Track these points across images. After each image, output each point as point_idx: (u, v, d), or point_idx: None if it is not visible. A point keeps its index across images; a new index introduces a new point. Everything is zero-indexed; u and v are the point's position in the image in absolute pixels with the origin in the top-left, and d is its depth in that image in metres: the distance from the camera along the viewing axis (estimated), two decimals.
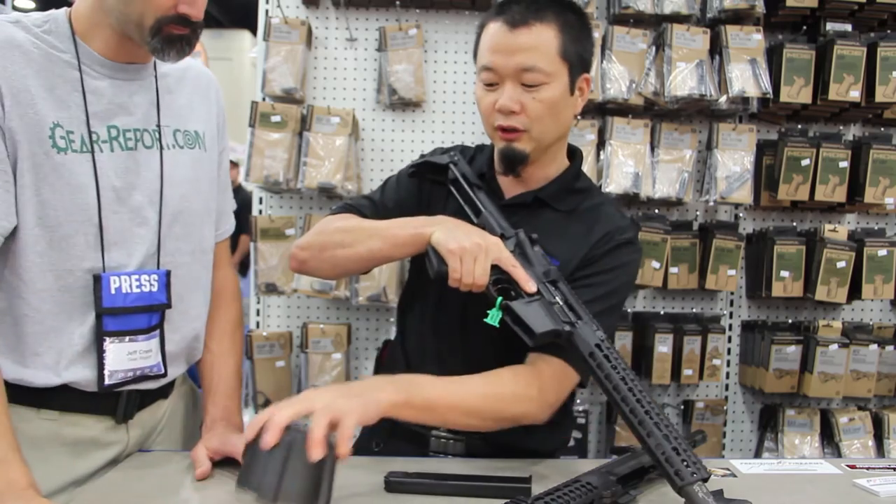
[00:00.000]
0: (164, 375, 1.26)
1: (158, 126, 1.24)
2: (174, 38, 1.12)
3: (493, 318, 1.13)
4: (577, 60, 1.27)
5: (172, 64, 1.21)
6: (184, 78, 1.32)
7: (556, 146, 1.33)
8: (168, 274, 1.24)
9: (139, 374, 1.21)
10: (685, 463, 0.96)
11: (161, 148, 1.24)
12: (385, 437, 1.37)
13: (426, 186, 1.39)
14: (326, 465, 0.91)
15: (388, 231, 1.25)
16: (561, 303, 1.12)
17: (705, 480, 0.96)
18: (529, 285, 1.12)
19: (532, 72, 1.22)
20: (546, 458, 1.33)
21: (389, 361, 1.48)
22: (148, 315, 1.22)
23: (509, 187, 1.36)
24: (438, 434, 1.33)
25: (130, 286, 1.19)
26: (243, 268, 6.60)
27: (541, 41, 1.22)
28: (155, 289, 1.22)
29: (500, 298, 1.13)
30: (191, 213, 1.28)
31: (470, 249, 1.12)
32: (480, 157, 1.42)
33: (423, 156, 1.41)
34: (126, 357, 1.19)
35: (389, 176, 1.46)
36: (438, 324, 1.34)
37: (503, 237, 1.20)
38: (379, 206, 1.39)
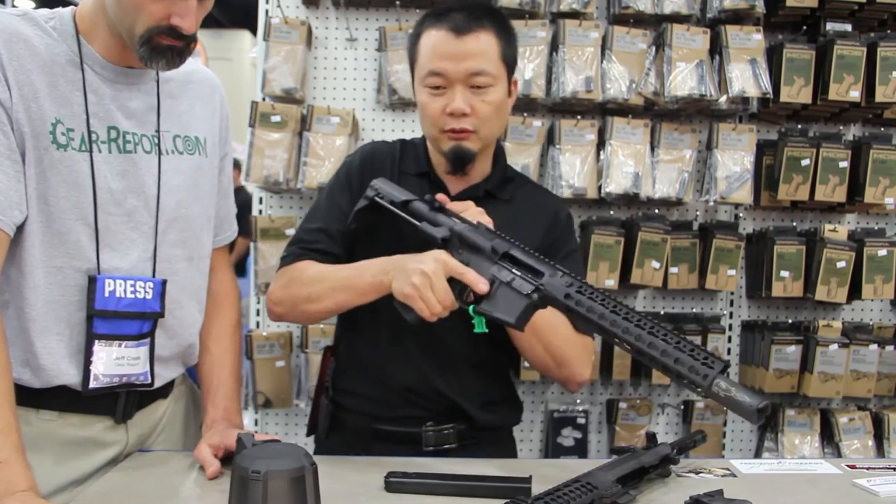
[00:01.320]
0: (151, 385, 1.25)
1: (158, 131, 1.24)
2: (163, 48, 1.12)
3: (480, 325, 1.18)
4: (512, 63, 1.38)
5: (171, 70, 1.20)
6: (187, 83, 1.31)
7: (492, 143, 1.42)
8: (164, 283, 1.23)
9: (125, 380, 1.20)
10: (698, 360, 0.94)
11: (160, 153, 1.23)
12: (366, 444, 1.37)
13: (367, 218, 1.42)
14: (307, 486, 0.89)
15: (349, 281, 1.30)
16: (519, 274, 1.14)
17: (725, 370, 0.93)
18: (480, 286, 1.15)
19: (481, 75, 1.30)
20: (509, 431, 1.50)
21: (349, 370, 1.46)
22: (140, 322, 1.21)
23: (453, 183, 1.42)
24: (428, 427, 1.36)
25: (125, 291, 1.18)
26: (240, 269, 6.58)
27: (486, 46, 1.31)
28: (149, 296, 1.21)
29: (471, 307, 1.17)
30: (188, 219, 1.28)
31: (420, 284, 1.14)
32: (409, 154, 1.46)
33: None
34: (114, 362, 1.18)
35: (318, 198, 1.49)
36: (403, 337, 1.36)
37: (445, 241, 1.23)
38: (335, 235, 1.41)
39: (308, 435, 1.54)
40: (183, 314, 1.29)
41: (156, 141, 1.23)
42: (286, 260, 1.42)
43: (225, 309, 1.43)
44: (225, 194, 1.42)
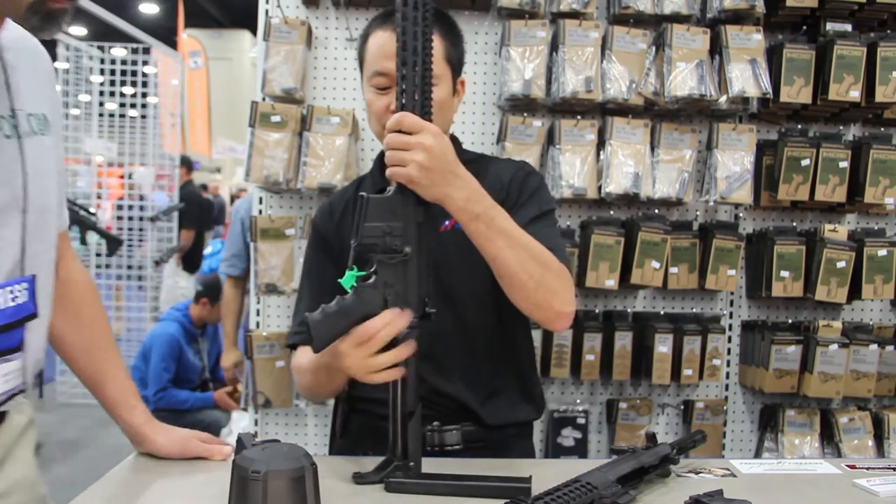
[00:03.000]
0: (24, 391, 1.11)
1: (13, 111, 1.07)
2: (55, 13, 0.99)
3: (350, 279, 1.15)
4: (457, 64, 1.40)
5: (7, 36, 1.07)
6: (22, 50, 1.12)
7: None
8: (34, 279, 1.08)
9: (8, 395, 1.07)
10: None
11: (19, 137, 1.07)
12: (372, 444, 1.37)
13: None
14: (307, 486, 0.89)
15: (315, 376, 1.35)
16: None
17: None
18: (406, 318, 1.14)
19: None
20: (528, 427, 1.47)
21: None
22: (21, 329, 1.06)
23: None
24: (433, 427, 1.35)
25: (6, 301, 1.03)
26: (191, 263, 6.59)
27: None
28: (25, 298, 1.06)
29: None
30: (47, 209, 1.13)
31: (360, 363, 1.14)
32: (367, 181, 1.51)
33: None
34: (2, 380, 1.04)
35: (303, 269, 1.53)
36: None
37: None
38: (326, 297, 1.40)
39: (331, 452, 1.53)
40: (46, 312, 1.15)
41: (13, 122, 1.07)
42: (291, 339, 1.48)
43: (90, 300, 1.29)
44: (62, 175, 1.23)
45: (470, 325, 1.37)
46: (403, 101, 1.12)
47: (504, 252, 1.20)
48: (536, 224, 1.34)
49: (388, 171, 1.13)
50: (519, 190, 1.41)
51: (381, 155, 1.48)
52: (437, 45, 1.33)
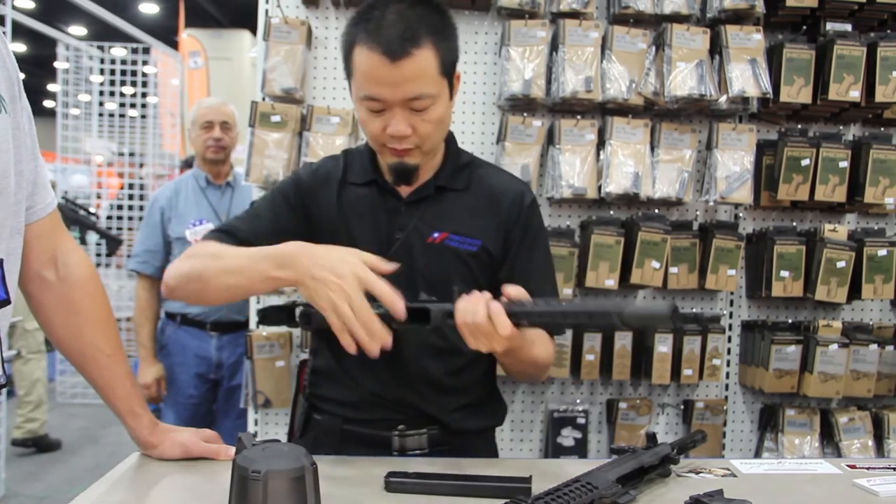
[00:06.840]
0: (4, 385, 1.07)
1: None
2: None
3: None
4: (451, 67, 1.29)
5: None
6: None
7: (439, 146, 1.39)
8: (1, 263, 1.03)
9: None
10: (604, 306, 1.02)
11: None
12: (336, 444, 1.37)
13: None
14: (307, 486, 0.89)
15: (243, 266, 1.20)
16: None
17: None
18: (398, 308, 1.08)
19: (420, 99, 1.23)
20: (489, 433, 1.49)
21: (323, 377, 1.44)
22: None
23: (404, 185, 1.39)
24: (399, 431, 1.35)
25: None
26: None
27: (423, 68, 1.21)
28: None
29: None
30: (9, 191, 1.07)
31: (339, 302, 1.06)
32: (355, 164, 1.42)
33: None
34: None
35: (262, 197, 1.46)
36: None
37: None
38: (251, 230, 1.35)
39: (289, 441, 1.52)
40: (13, 299, 1.09)
41: None
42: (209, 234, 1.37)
43: (98, 295, 1.24)
44: (36, 156, 1.16)
45: (442, 349, 1.35)
46: None
47: (509, 365, 1.35)
48: (539, 272, 1.40)
49: (475, 344, 1.12)
50: (524, 228, 1.39)
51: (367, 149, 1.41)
52: (430, 61, 1.22)
